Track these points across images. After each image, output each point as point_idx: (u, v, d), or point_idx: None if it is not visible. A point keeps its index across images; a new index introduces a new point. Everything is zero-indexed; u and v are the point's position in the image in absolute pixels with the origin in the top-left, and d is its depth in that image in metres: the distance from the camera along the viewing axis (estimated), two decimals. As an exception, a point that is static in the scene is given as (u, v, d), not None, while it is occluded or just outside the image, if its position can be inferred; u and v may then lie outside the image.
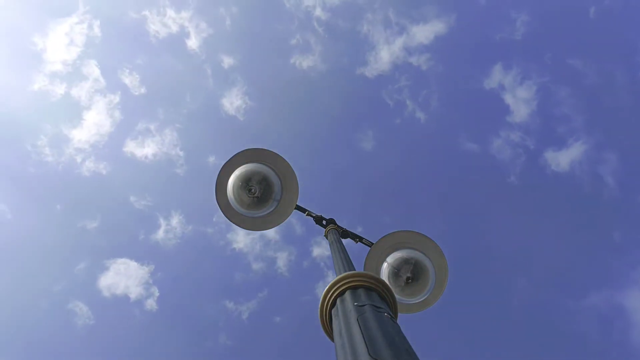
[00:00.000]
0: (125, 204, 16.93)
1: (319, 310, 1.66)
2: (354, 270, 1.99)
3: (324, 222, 3.30)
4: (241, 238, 16.11)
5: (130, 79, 17.10)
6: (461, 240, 16.42)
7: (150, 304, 15.40)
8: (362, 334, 1.26)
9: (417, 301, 3.41)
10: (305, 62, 17.66)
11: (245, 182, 3.37)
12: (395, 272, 3.34)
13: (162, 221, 16.30)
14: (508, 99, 16.43)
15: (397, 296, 2.77)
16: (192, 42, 17.56)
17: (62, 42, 16.72)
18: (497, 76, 16.56)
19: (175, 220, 16.26)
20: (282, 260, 16.17)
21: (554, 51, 16.87)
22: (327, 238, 2.98)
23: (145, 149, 16.95)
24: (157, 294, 15.40)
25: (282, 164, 3.47)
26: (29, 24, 17.00)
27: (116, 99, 16.93)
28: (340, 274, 1.72)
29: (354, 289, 1.60)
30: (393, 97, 17.34)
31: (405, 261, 3.36)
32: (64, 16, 16.79)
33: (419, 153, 18.00)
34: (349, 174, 17.88)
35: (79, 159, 16.41)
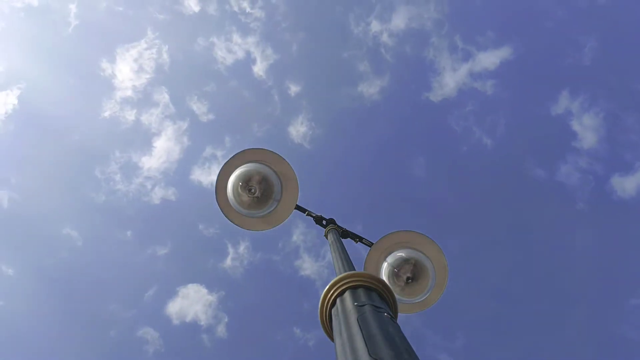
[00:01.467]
0: (194, 231, 16.97)
1: (318, 310, 1.66)
2: (354, 270, 2.00)
3: (324, 222, 3.30)
4: (308, 265, 16.04)
5: (198, 106, 17.18)
6: (529, 267, 16.28)
7: (220, 330, 15.37)
8: (362, 333, 1.26)
9: (417, 301, 3.41)
10: (372, 88, 17.56)
11: (246, 182, 3.37)
12: (395, 272, 3.34)
13: (230, 249, 16.34)
14: (575, 125, 16.27)
15: (397, 296, 2.77)
16: (259, 68, 17.57)
17: (132, 68, 16.93)
18: (564, 102, 16.40)
19: (242, 247, 16.28)
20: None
21: (622, 77, 16.69)
22: (327, 238, 2.98)
23: (212, 176, 17.02)
24: (226, 320, 15.40)
25: (283, 164, 3.47)
26: (97, 49, 17.25)
27: (184, 125, 17.01)
28: (340, 274, 1.72)
29: (353, 288, 1.60)
30: (459, 123, 17.28)
31: (405, 261, 3.36)
32: (131, 41, 17.01)
33: (486, 179, 17.83)
34: (422, 204, 17.65)
35: (148, 186, 16.51)
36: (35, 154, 17.06)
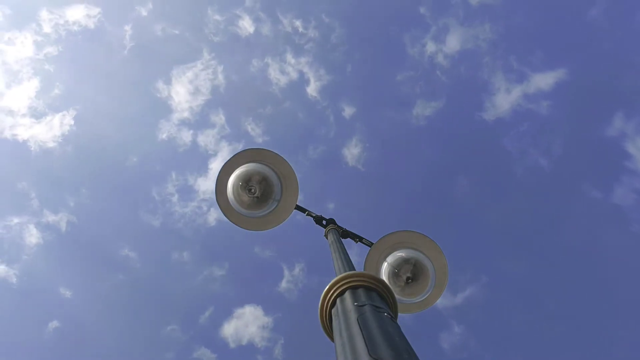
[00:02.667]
0: (250, 252, 17.00)
1: (318, 310, 1.66)
2: (354, 270, 1.99)
3: (324, 222, 3.30)
4: None
5: (252, 127, 17.30)
6: (585, 289, 16.00)
7: (277, 352, 15.31)
8: (362, 333, 1.26)
9: (417, 301, 3.41)
10: (426, 110, 17.44)
11: (246, 182, 3.37)
12: (395, 272, 3.34)
13: (286, 271, 16.35)
14: (630, 147, 15.97)
15: (397, 296, 2.77)
16: (312, 89, 17.60)
17: (188, 89, 17.15)
18: (619, 123, 16.15)
19: (297, 270, 16.31)
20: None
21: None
22: (327, 238, 2.98)
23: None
24: (282, 341, 15.33)
25: (283, 164, 3.47)
26: (153, 71, 17.66)
27: (240, 147, 16.96)
28: (340, 274, 1.72)
29: (353, 288, 1.60)
30: (513, 144, 17.20)
31: (405, 261, 3.36)
32: (187, 63, 17.26)
33: (541, 200, 17.55)
34: (477, 226, 17.34)
35: (204, 207, 16.59)
36: (93, 176, 17.35)
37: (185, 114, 16.96)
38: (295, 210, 3.54)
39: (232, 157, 3.45)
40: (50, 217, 15.88)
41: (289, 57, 17.57)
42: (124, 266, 16.24)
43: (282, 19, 17.83)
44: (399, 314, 1.70)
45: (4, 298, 15.38)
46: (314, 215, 3.40)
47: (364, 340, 1.22)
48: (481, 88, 17.31)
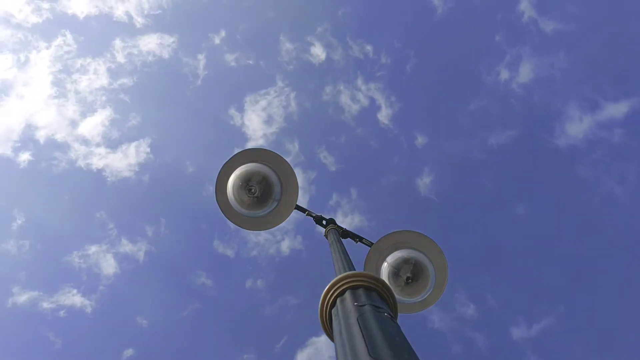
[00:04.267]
0: (324, 281, 17.01)
1: (318, 310, 1.66)
2: (354, 270, 1.99)
3: (324, 222, 3.30)
4: (436, 317, 15.68)
5: (324, 154, 17.36)
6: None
7: None
8: (362, 333, 1.26)
9: (417, 301, 3.41)
10: (501, 137, 17.33)
11: (245, 182, 3.37)
12: (395, 272, 3.34)
13: None
14: None
15: (397, 296, 2.77)
16: (384, 117, 17.56)
17: (261, 117, 17.39)
18: None
19: None
20: (481, 340, 15.54)
21: None
22: (327, 238, 2.98)
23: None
24: None
25: (283, 164, 3.47)
26: (226, 99, 17.79)
27: (313, 175, 17.11)
28: (340, 274, 1.72)
29: (354, 288, 1.60)
30: (587, 172, 17.04)
31: (405, 261, 3.36)
32: (260, 90, 17.43)
33: (617, 229, 17.12)
34: (553, 255, 16.94)
35: (278, 236, 16.72)
36: (170, 205, 17.62)
37: (260, 142, 17.18)
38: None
39: (232, 157, 3.45)
40: (128, 247, 16.05)
41: (360, 84, 17.61)
42: (200, 294, 16.45)
43: (352, 44, 17.88)
44: (399, 314, 1.70)
45: (78, 327, 15.58)
46: (314, 215, 3.40)
47: (364, 340, 1.22)
48: (554, 116, 17.19)
